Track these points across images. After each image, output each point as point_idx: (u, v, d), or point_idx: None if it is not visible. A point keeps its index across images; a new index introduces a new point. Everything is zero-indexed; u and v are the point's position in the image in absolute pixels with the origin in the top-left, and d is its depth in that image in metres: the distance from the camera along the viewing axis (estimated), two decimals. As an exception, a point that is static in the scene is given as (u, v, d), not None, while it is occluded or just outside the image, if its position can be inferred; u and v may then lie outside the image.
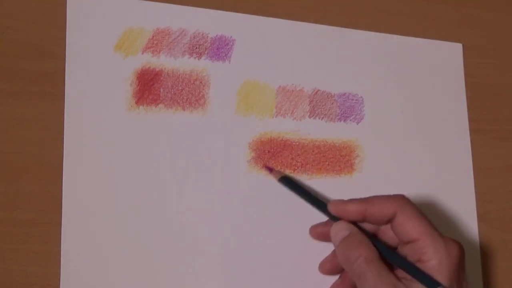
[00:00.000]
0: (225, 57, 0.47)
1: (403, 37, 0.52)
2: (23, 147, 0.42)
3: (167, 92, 0.46)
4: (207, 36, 0.47)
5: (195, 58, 0.47)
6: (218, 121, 0.46)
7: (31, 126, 0.43)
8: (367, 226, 0.42)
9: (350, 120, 0.49)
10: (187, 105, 0.46)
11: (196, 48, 0.47)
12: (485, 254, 0.50)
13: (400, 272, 0.40)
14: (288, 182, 0.45)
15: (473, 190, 0.51)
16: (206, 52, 0.47)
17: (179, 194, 0.44)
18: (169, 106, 0.45)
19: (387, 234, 0.42)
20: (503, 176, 0.52)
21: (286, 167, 0.47)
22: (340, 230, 0.41)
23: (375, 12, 0.53)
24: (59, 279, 0.40)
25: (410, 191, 0.49)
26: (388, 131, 0.50)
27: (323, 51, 0.50)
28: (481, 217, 0.50)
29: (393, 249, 0.41)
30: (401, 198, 0.41)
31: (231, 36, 0.48)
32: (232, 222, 0.44)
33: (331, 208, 0.42)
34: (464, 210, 0.50)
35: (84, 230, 0.42)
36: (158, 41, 0.46)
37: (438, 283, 0.37)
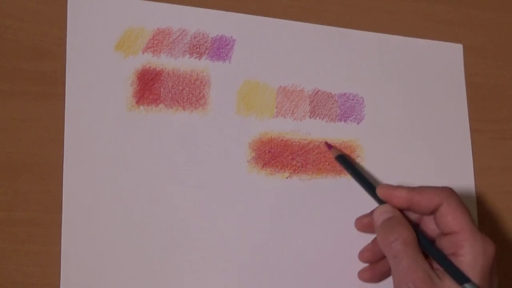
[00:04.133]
0: (225, 57, 0.47)
1: (403, 37, 0.52)
2: (23, 147, 0.42)
3: (167, 92, 0.46)
4: (208, 36, 0.47)
5: (195, 58, 0.47)
6: (218, 121, 0.46)
7: (31, 126, 0.43)
8: (410, 216, 0.43)
9: (350, 120, 0.49)
10: (188, 105, 0.46)
11: (197, 48, 0.47)
12: (485, 254, 0.50)
13: (434, 264, 0.40)
14: (344, 161, 0.46)
15: (473, 190, 0.51)
16: (206, 52, 0.47)
17: (179, 194, 0.44)
18: (170, 106, 0.45)
19: (428, 227, 0.42)
20: (503, 176, 0.52)
21: (286, 167, 0.47)
22: (384, 212, 0.42)
23: (375, 12, 0.53)
24: (59, 279, 0.40)
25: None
26: (389, 131, 0.50)
27: (323, 51, 0.50)
28: (481, 217, 0.50)
29: (431, 241, 0.42)
30: (449, 190, 0.41)
31: (231, 36, 0.48)
32: (231, 222, 0.44)
33: (379, 191, 0.42)
34: (464, 210, 0.50)
35: (84, 230, 0.42)
36: (159, 41, 0.46)
37: (468, 279, 0.37)
